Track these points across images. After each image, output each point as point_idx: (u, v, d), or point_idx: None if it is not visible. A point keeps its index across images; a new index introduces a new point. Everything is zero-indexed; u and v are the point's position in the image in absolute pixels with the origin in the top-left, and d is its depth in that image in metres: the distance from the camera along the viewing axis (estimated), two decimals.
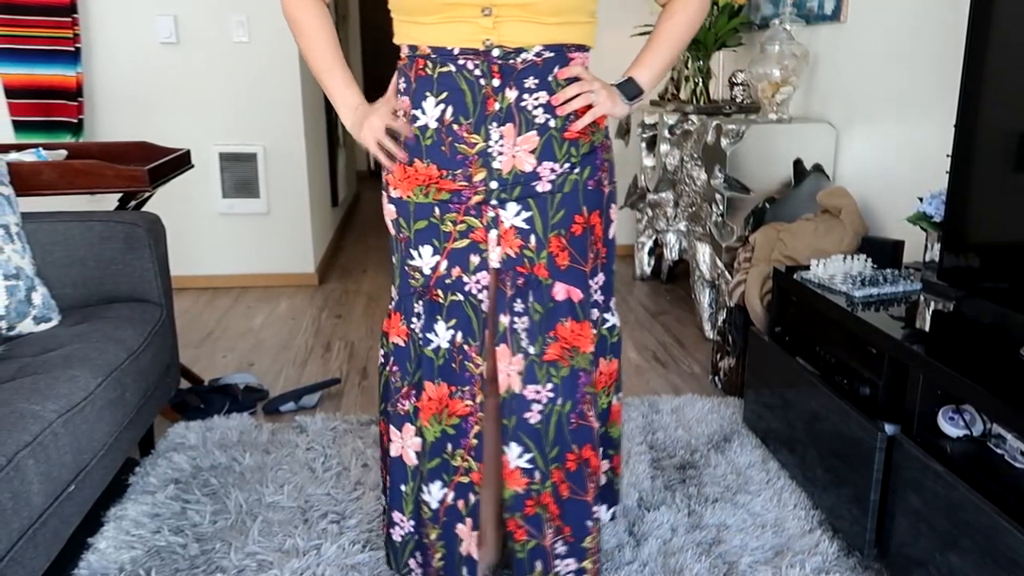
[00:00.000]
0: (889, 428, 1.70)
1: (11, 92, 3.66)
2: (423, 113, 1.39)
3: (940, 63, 2.26)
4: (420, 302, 1.49)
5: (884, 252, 2.22)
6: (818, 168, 2.88)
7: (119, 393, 1.81)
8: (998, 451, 1.58)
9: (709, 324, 3.20)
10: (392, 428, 1.56)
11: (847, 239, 2.40)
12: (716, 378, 2.84)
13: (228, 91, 3.90)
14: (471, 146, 1.38)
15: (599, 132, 1.48)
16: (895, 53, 2.49)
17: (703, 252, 3.14)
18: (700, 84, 3.52)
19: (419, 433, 1.52)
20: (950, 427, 1.63)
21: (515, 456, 1.48)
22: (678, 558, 1.81)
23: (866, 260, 2.15)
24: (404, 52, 1.42)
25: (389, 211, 1.50)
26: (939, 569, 1.53)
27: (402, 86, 1.43)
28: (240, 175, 4.00)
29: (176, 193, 3.85)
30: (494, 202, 1.41)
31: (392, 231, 1.51)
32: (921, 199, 2.08)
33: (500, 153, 1.38)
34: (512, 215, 1.41)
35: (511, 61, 1.34)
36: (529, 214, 1.42)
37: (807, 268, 2.19)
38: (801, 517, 1.98)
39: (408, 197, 1.45)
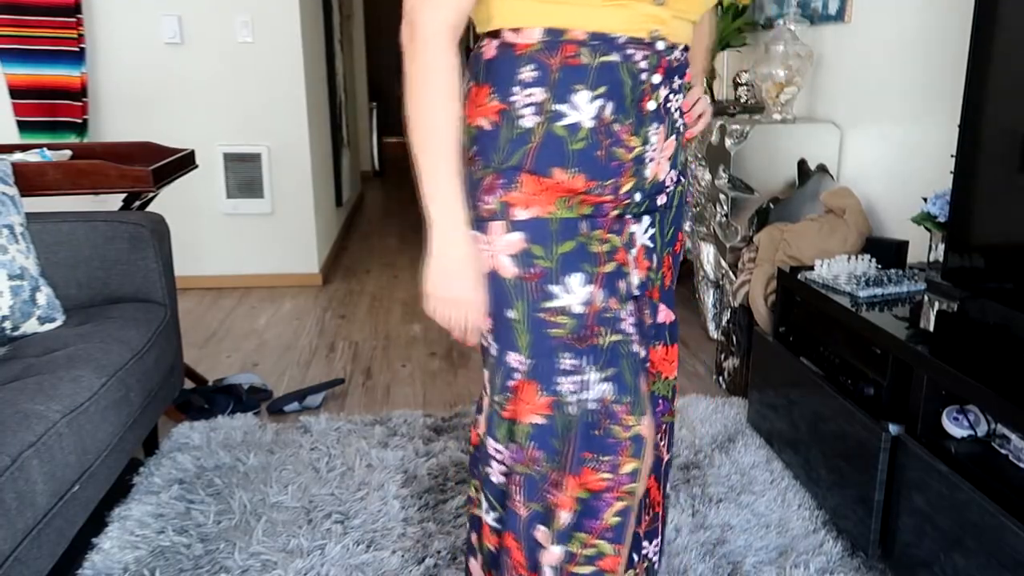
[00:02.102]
0: (893, 428, 1.70)
1: (16, 92, 3.67)
2: (573, 109, 1.11)
3: (944, 63, 2.25)
4: (567, 354, 1.16)
5: (888, 252, 2.22)
6: (822, 168, 2.87)
7: (123, 393, 1.81)
8: (1002, 451, 1.57)
9: (713, 324, 3.20)
10: (539, 533, 1.21)
11: (851, 239, 2.40)
12: (720, 378, 2.83)
13: (232, 91, 3.90)
14: (629, 150, 1.14)
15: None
16: (899, 53, 2.48)
17: (707, 252, 3.14)
18: (704, 84, 3.52)
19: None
20: (954, 427, 1.62)
21: None
22: (682, 558, 1.81)
23: (870, 260, 2.15)
24: (534, 36, 1.10)
25: (511, 244, 1.13)
26: (943, 569, 1.53)
27: (529, 75, 1.11)
28: (244, 175, 4.00)
29: (180, 193, 3.86)
30: (629, 215, 1.21)
31: (513, 271, 1.14)
32: (925, 199, 2.07)
33: (651, 159, 1.18)
34: (642, 231, 1.24)
35: (669, 57, 1.15)
36: (653, 231, 1.26)
37: (811, 268, 2.18)
38: (805, 517, 1.97)
39: (549, 214, 1.13)
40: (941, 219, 1.99)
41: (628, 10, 1.08)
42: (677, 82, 1.18)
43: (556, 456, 1.18)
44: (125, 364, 1.85)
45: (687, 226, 3.34)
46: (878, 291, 1.97)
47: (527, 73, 1.11)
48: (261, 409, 2.65)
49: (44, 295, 1.97)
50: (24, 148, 2.60)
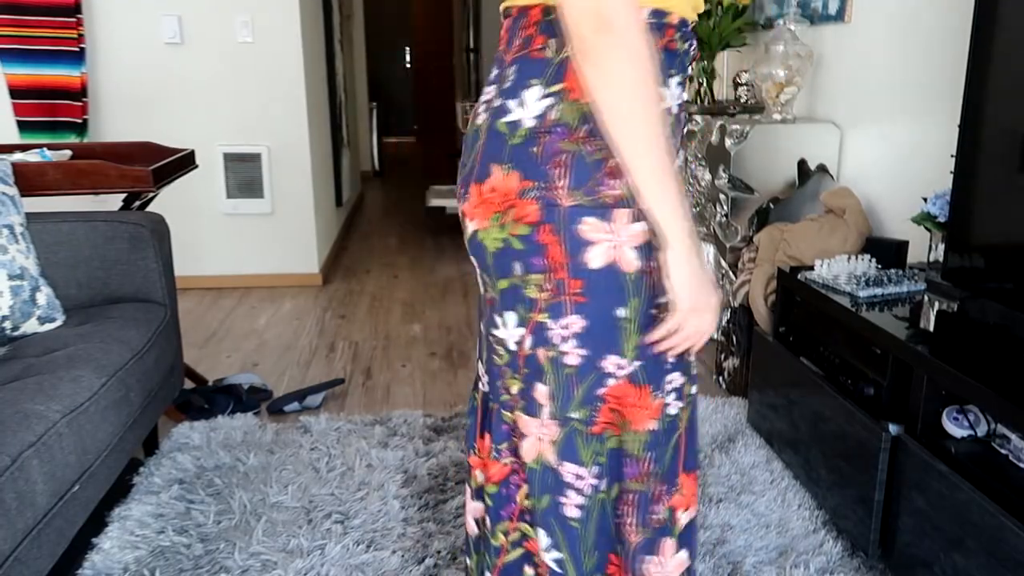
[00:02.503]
0: (893, 428, 1.70)
1: (16, 92, 3.67)
2: (668, 93, 1.06)
3: (944, 63, 2.25)
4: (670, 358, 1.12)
5: (888, 252, 2.22)
6: (822, 168, 2.87)
7: (123, 393, 1.81)
8: (1002, 451, 1.57)
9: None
10: (651, 565, 1.15)
11: (851, 239, 2.40)
12: (720, 378, 2.83)
13: (232, 91, 3.90)
14: (681, 134, 1.15)
15: None
16: (899, 53, 2.48)
17: (707, 252, 3.14)
18: (704, 84, 3.51)
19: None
20: (954, 427, 1.62)
21: None
22: None
23: (870, 260, 2.15)
24: (642, 16, 0.98)
25: (637, 234, 1.03)
26: (943, 569, 1.53)
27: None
28: (244, 175, 4.00)
29: (180, 193, 3.86)
30: None
31: (636, 264, 1.05)
32: (925, 199, 2.07)
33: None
34: None
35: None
36: None
37: (811, 268, 2.18)
38: (805, 517, 1.97)
39: None
40: (941, 219, 1.99)
41: None
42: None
43: (664, 463, 1.13)
44: (125, 364, 1.85)
45: None
46: (878, 291, 1.97)
47: None
48: (261, 409, 2.65)
49: (44, 295, 1.97)
50: (24, 148, 2.60)
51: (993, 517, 1.39)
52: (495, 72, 1.08)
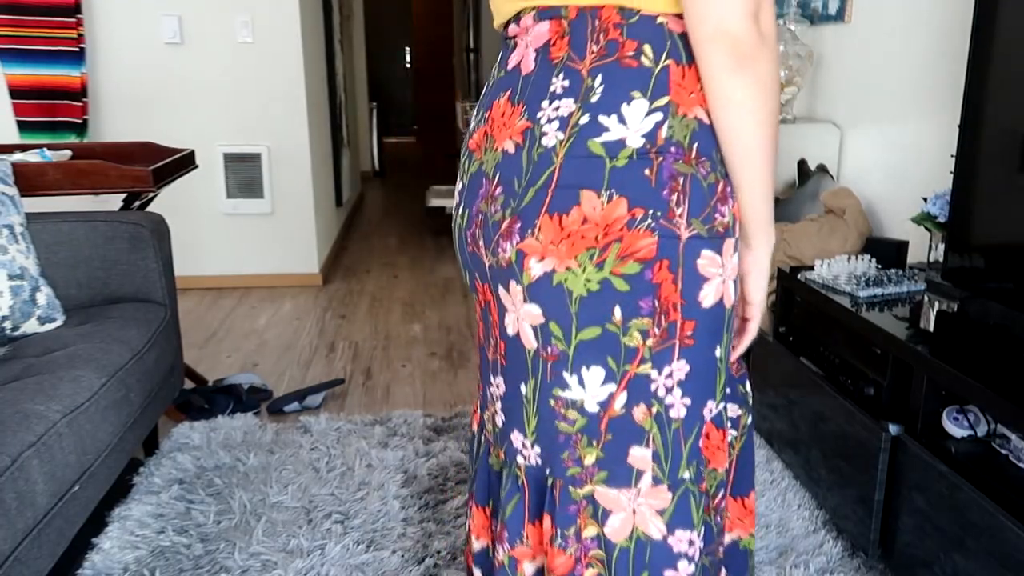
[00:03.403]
0: (893, 428, 1.70)
1: (16, 92, 3.67)
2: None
3: (944, 63, 2.25)
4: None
5: (888, 252, 2.22)
6: (822, 168, 2.87)
7: (123, 393, 1.81)
8: (1002, 451, 1.57)
9: None
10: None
11: (851, 239, 2.40)
12: None
13: (232, 91, 3.90)
14: None
15: None
16: (899, 53, 2.48)
17: None
18: None
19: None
20: (954, 427, 1.62)
21: None
22: None
23: (870, 260, 2.15)
24: (666, 21, 0.90)
25: (736, 267, 0.97)
26: (944, 569, 1.53)
27: (672, 62, 0.90)
28: (244, 175, 4.00)
29: (180, 193, 3.86)
30: None
31: (732, 299, 0.97)
32: (925, 199, 2.07)
33: None
34: None
35: None
36: None
37: (811, 268, 2.18)
38: (805, 517, 1.97)
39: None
40: (941, 219, 1.99)
41: None
42: None
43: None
44: (125, 364, 1.85)
45: None
46: (878, 291, 1.97)
47: (666, 58, 0.91)
48: (261, 409, 2.65)
49: (44, 295, 1.97)
50: (24, 148, 2.60)
51: (993, 517, 1.39)
52: (564, 82, 0.92)
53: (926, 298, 1.95)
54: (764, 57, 0.86)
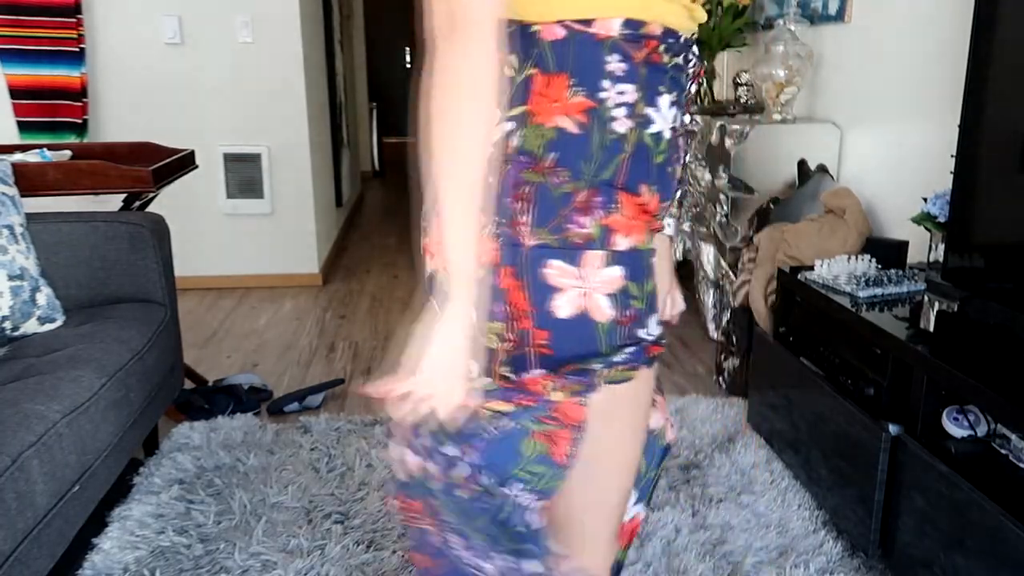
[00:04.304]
0: (893, 428, 1.70)
1: (16, 93, 3.67)
2: (659, 115, 0.92)
3: (944, 63, 2.25)
4: None
5: (888, 252, 2.22)
6: (822, 168, 2.87)
7: (123, 394, 1.81)
8: (1002, 451, 1.57)
9: (713, 324, 3.20)
10: None
11: (851, 239, 2.39)
12: (720, 378, 2.83)
13: (232, 92, 3.90)
14: (682, 168, 1.01)
15: None
16: (899, 53, 2.48)
17: (707, 253, 3.14)
18: (704, 84, 3.52)
19: None
20: (954, 427, 1.62)
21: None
22: (682, 558, 1.81)
23: (870, 260, 2.15)
24: (612, 27, 0.89)
25: (611, 281, 0.91)
26: (943, 569, 1.53)
27: (619, 68, 0.89)
28: (244, 175, 4.00)
29: (180, 194, 3.85)
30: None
31: (609, 314, 0.91)
32: (925, 199, 2.07)
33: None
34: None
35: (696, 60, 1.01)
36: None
37: (811, 268, 2.18)
38: (805, 517, 1.97)
39: (643, 244, 0.93)
40: (941, 219, 1.99)
41: (681, 6, 0.93)
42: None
43: None
44: (125, 364, 1.85)
45: (686, 226, 3.35)
46: (878, 291, 1.97)
47: (615, 64, 0.89)
48: (261, 409, 2.65)
49: (44, 295, 1.97)
50: (24, 148, 2.60)
51: (993, 517, 1.39)
52: None
53: (926, 298, 1.95)
54: (446, 50, 0.82)
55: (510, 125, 0.89)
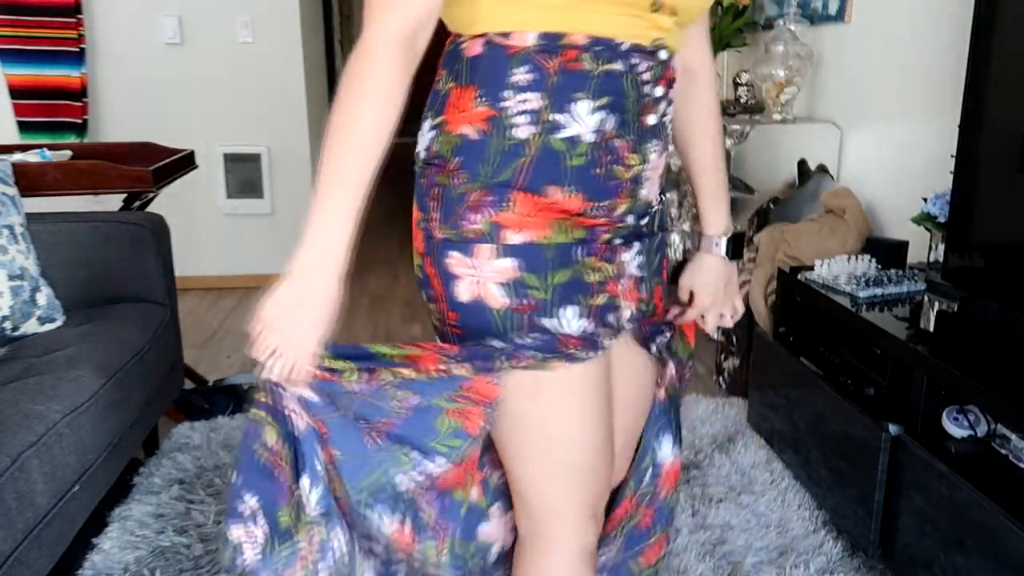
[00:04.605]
0: (893, 428, 1.70)
1: (16, 93, 3.67)
2: (573, 120, 0.99)
3: (944, 63, 2.25)
4: None
5: (888, 252, 2.22)
6: (822, 168, 2.87)
7: (123, 394, 1.81)
8: (1002, 451, 1.57)
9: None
10: None
11: (851, 239, 2.40)
12: (720, 378, 2.83)
13: (232, 92, 3.90)
14: (628, 169, 1.03)
15: None
16: (899, 53, 2.48)
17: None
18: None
19: None
20: (954, 427, 1.62)
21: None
22: (682, 558, 1.81)
23: (870, 260, 2.15)
24: (527, 40, 0.98)
25: (503, 270, 1.01)
26: (943, 569, 1.53)
27: (524, 78, 0.98)
28: (244, 176, 4.00)
29: (180, 194, 3.84)
30: (618, 241, 1.07)
31: (503, 301, 1.01)
32: (925, 199, 2.07)
33: (648, 179, 1.07)
34: (631, 259, 1.10)
35: (672, 67, 1.05)
36: (641, 259, 1.12)
37: (811, 268, 2.18)
38: (805, 517, 1.97)
39: (545, 239, 1.01)
40: (941, 219, 1.99)
41: (628, 17, 0.98)
42: (671, 94, 1.08)
43: None
44: (125, 364, 1.85)
45: (686, 226, 3.35)
46: (878, 291, 1.97)
47: (521, 76, 0.98)
48: None
49: (44, 295, 1.97)
50: (24, 148, 2.60)
51: (993, 517, 1.39)
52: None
53: (926, 298, 1.95)
54: (350, 59, 0.95)
55: (432, 133, 1.04)
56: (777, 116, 2.97)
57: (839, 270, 2.10)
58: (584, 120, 0.99)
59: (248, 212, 4.06)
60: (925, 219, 2.04)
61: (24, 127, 3.70)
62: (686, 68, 1.16)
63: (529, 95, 0.98)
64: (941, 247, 2.02)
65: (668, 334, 1.24)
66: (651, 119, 1.04)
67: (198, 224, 4.00)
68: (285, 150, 4.02)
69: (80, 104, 3.72)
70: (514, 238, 1.00)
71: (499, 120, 0.99)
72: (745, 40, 3.51)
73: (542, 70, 0.98)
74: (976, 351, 1.63)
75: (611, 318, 1.06)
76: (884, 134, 2.59)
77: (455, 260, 1.02)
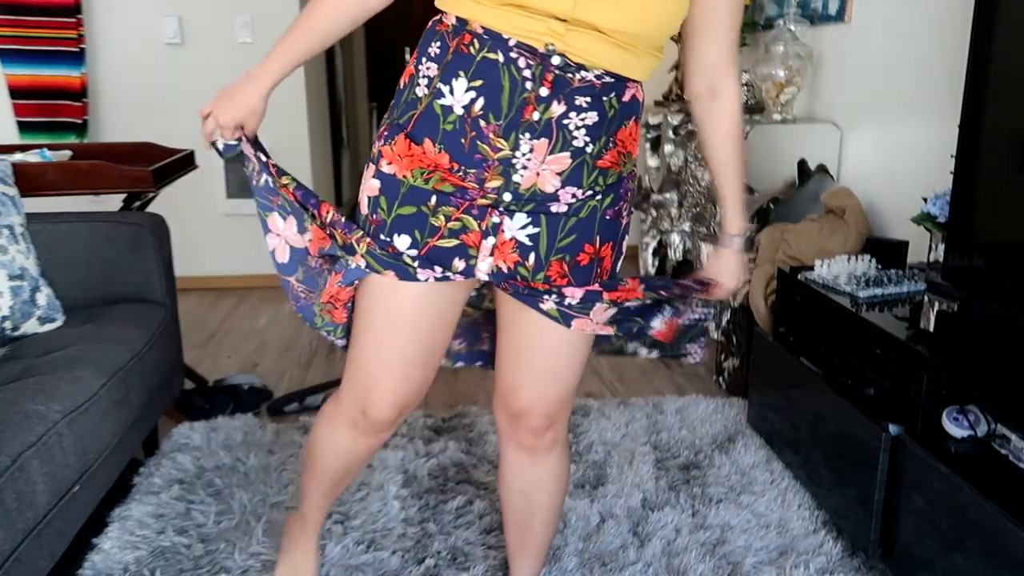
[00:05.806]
0: (893, 428, 1.70)
1: (16, 93, 3.67)
2: (450, 92, 1.21)
3: (944, 63, 2.25)
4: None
5: (888, 252, 2.22)
6: (822, 168, 2.87)
7: (123, 394, 1.81)
8: (1002, 451, 1.57)
9: (713, 324, 3.20)
10: None
11: (851, 239, 2.40)
12: (720, 378, 2.83)
13: None
14: (495, 150, 1.20)
15: (630, 162, 1.32)
16: (899, 53, 2.48)
17: (707, 253, 3.14)
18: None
19: None
20: (954, 427, 1.63)
21: None
22: (682, 558, 1.81)
23: (870, 260, 2.15)
24: (450, 19, 1.23)
25: (371, 187, 1.30)
26: (943, 569, 1.53)
27: (435, 50, 1.24)
28: (244, 175, 3.99)
29: (180, 194, 3.83)
30: (500, 209, 1.24)
31: (364, 209, 1.31)
32: (925, 199, 2.07)
33: (524, 167, 1.21)
34: (517, 227, 1.26)
35: (568, 75, 1.18)
36: (536, 231, 1.26)
37: (811, 268, 2.18)
38: (805, 517, 1.97)
39: (404, 177, 1.25)
40: (941, 219, 1.99)
41: (526, 19, 1.16)
42: (582, 100, 1.19)
43: None
44: (125, 365, 1.84)
45: (686, 226, 3.35)
46: (878, 291, 1.97)
47: (434, 48, 1.25)
48: (261, 410, 2.65)
49: (44, 295, 1.97)
50: (24, 148, 2.60)
51: (993, 517, 1.39)
52: None
53: (926, 298, 1.95)
54: None
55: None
56: (777, 116, 2.98)
57: (839, 270, 2.10)
58: (459, 97, 1.21)
59: (248, 212, 4.05)
60: (925, 219, 2.04)
61: (24, 127, 3.70)
62: (710, 89, 1.34)
63: (432, 64, 1.24)
64: (941, 247, 2.02)
65: (568, 300, 1.33)
66: (534, 115, 1.19)
67: (198, 224, 4.00)
68: (285, 150, 4.01)
69: (80, 104, 3.72)
70: (385, 168, 1.28)
71: (414, 78, 1.27)
72: (745, 40, 3.51)
73: (446, 47, 1.23)
74: (976, 351, 1.63)
75: (458, 262, 1.27)
76: (884, 134, 2.59)
77: (368, 170, 1.33)
